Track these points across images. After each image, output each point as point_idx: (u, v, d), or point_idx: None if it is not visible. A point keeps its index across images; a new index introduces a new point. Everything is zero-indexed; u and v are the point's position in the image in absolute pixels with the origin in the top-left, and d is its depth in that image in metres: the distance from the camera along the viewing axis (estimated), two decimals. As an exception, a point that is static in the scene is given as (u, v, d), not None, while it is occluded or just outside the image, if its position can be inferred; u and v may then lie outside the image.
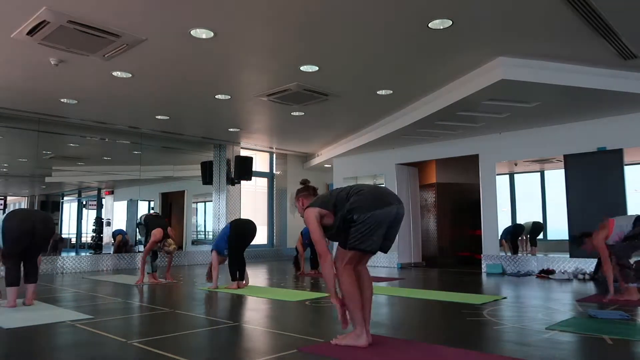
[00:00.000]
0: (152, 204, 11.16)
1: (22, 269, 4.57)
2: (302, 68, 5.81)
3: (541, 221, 8.58)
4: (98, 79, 6.16)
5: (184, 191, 11.39)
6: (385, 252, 3.11)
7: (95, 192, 10.97)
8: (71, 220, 10.88)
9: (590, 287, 6.09)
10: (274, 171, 12.35)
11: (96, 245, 10.37)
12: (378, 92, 6.79)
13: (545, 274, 7.38)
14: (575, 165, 7.56)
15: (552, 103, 6.57)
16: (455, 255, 10.39)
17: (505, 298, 5.14)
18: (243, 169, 10.64)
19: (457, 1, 4.18)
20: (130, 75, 6.02)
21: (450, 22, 4.56)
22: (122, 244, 10.03)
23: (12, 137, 8.68)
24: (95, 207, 10.96)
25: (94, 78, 6.14)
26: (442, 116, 7.16)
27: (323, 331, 3.59)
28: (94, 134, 9.19)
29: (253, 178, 11.12)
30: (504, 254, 8.28)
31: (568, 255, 7.51)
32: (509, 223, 8.66)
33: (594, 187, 7.31)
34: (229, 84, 6.48)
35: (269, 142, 10.89)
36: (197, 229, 11.73)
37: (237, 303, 5.03)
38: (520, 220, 8.73)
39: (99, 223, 10.56)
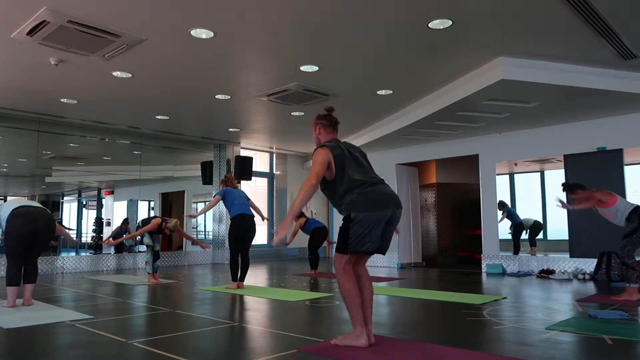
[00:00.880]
0: (152, 204, 11.16)
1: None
2: (302, 68, 5.81)
3: (541, 221, 8.59)
4: (98, 79, 6.16)
5: (184, 191, 11.39)
6: (383, 253, 3.12)
7: (95, 192, 10.97)
8: (71, 221, 10.87)
9: (590, 287, 6.09)
10: (274, 171, 12.35)
11: (96, 245, 10.37)
12: (378, 92, 6.79)
13: (545, 274, 7.38)
14: (575, 165, 7.56)
15: (552, 103, 6.57)
16: (455, 255, 10.39)
17: (505, 298, 5.14)
18: (243, 169, 10.65)
19: (457, 1, 4.18)
20: (130, 75, 6.02)
21: (450, 22, 4.56)
22: (122, 233, 9.87)
23: (12, 137, 8.67)
24: (95, 207, 10.96)
25: (94, 78, 6.14)
26: (442, 116, 7.16)
27: (323, 331, 3.59)
28: (94, 134, 9.19)
29: (253, 178, 11.12)
30: (503, 253, 8.29)
31: (568, 255, 7.52)
32: (509, 223, 8.68)
33: (594, 187, 7.28)
34: (229, 84, 6.49)
35: (269, 142, 10.89)
36: (197, 229, 11.73)
37: (237, 303, 5.03)
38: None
39: (99, 223, 10.56)
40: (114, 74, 5.96)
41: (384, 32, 4.82)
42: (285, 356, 2.82)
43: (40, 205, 4.72)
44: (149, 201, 11.12)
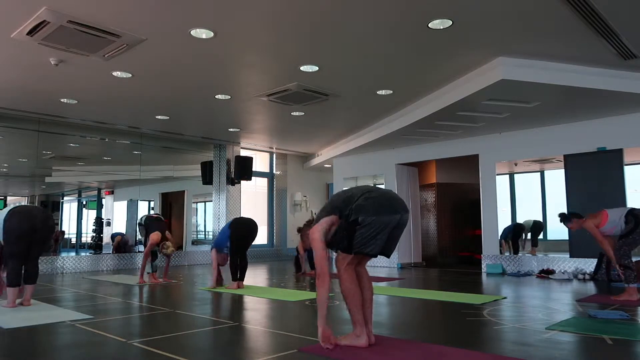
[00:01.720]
0: (152, 204, 11.15)
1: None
2: (302, 68, 5.81)
3: (541, 220, 8.57)
4: (98, 79, 6.16)
5: (184, 191, 11.39)
6: (388, 256, 3.10)
7: (95, 192, 10.97)
8: (71, 220, 10.87)
9: (590, 287, 6.09)
10: (274, 171, 12.35)
11: (96, 245, 10.38)
12: (378, 92, 6.79)
13: (545, 274, 7.38)
14: (575, 165, 7.56)
15: (552, 103, 6.57)
16: (455, 255, 10.39)
17: (505, 298, 5.14)
18: (243, 169, 10.65)
19: (457, 1, 4.18)
20: (130, 75, 6.02)
21: (450, 22, 4.56)
22: (122, 244, 10.05)
23: (12, 137, 8.67)
24: (95, 207, 10.95)
25: (94, 78, 6.14)
26: (442, 116, 7.16)
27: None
28: (94, 134, 9.19)
29: (253, 178, 11.13)
30: (507, 254, 8.29)
31: (568, 255, 7.51)
32: (509, 223, 8.67)
33: (594, 187, 7.31)
34: (229, 84, 6.49)
35: (269, 142, 10.89)
36: (197, 229, 11.73)
37: (237, 303, 5.03)
38: (521, 219, 8.74)
39: (99, 223, 10.56)
40: (114, 74, 5.96)
41: (384, 32, 4.82)
42: (285, 356, 2.82)
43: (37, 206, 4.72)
44: (149, 201, 11.12)
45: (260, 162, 12.02)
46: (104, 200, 10.85)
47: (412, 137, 8.74)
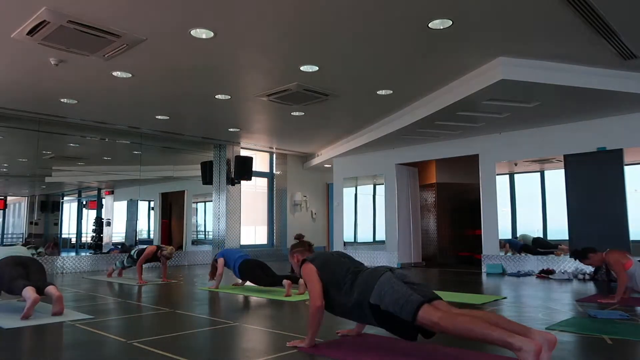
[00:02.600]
0: (152, 203, 11.16)
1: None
2: (302, 68, 5.81)
3: (539, 235, 8.44)
4: (98, 79, 6.16)
5: (184, 191, 11.39)
6: (425, 297, 2.61)
7: (95, 192, 10.97)
8: (71, 220, 10.87)
9: (590, 287, 6.09)
10: (274, 171, 12.35)
11: (96, 245, 10.38)
12: (378, 92, 6.79)
13: (545, 274, 7.39)
14: (575, 165, 7.56)
15: (552, 103, 6.57)
16: (455, 255, 10.40)
17: (505, 298, 5.14)
18: (243, 169, 10.64)
19: (457, 1, 4.18)
20: (130, 75, 6.02)
21: (450, 22, 4.56)
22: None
23: (12, 137, 8.67)
24: (95, 207, 10.95)
25: (94, 78, 6.14)
26: (442, 116, 7.16)
27: (323, 331, 3.58)
28: (94, 134, 9.19)
29: (253, 178, 11.12)
30: (503, 254, 8.29)
31: (568, 255, 7.51)
32: (509, 223, 8.64)
33: (594, 187, 7.31)
34: (229, 84, 6.48)
35: (269, 142, 10.89)
36: (197, 229, 11.73)
37: (237, 303, 5.03)
38: (521, 219, 8.69)
39: (99, 223, 10.56)
40: (114, 74, 5.96)
41: (384, 32, 4.82)
42: (285, 356, 2.82)
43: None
44: (149, 201, 11.12)
45: (260, 162, 12.02)
46: (104, 200, 10.85)
47: (412, 137, 8.74)
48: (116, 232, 10.68)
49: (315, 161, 11.87)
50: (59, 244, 10.27)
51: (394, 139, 8.83)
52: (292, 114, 7.96)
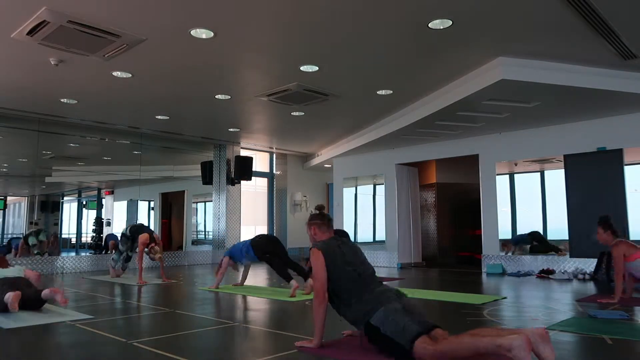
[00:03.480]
0: (152, 204, 11.16)
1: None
2: (302, 68, 5.81)
3: (539, 230, 8.44)
4: (98, 79, 6.16)
5: (184, 191, 11.39)
6: (426, 327, 2.56)
7: (95, 192, 10.97)
8: (71, 220, 10.87)
9: (590, 287, 6.09)
10: (274, 171, 12.35)
11: (96, 245, 10.38)
12: (378, 92, 6.79)
13: (545, 274, 7.38)
14: (575, 165, 7.56)
15: (552, 103, 6.57)
16: (455, 255, 10.39)
17: (505, 298, 5.14)
18: (243, 169, 10.65)
19: (457, 1, 4.18)
20: (130, 75, 6.02)
21: (450, 22, 4.56)
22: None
23: (12, 137, 8.67)
24: (95, 207, 10.96)
25: (94, 78, 6.14)
26: (442, 116, 7.16)
27: (327, 332, 3.58)
28: (94, 134, 9.19)
29: (253, 178, 11.13)
30: (503, 253, 8.28)
31: (568, 255, 7.52)
32: (509, 223, 8.64)
33: (594, 187, 7.31)
34: (229, 84, 6.49)
35: (269, 142, 10.89)
36: (197, 229, 11.73)
37: (237, 303, 5.03)
38: (520, 220, 8.69)
39: (99, 223, 10.56)
40: (114, 74, 5.96)
41: (384, 32, 4.82)
42: (285, 356, 2.82)
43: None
44: (149, 201, 11.12)
45: (260, 162, 12.02)
46: (104, 200, 10.85)
47: (412, 137, 8.74)
48: (116, 232, 10.68)
49: (315, 161, 11.87)
50: (58, 238, 10.30)
51: (394, 139, 8.83)
52: (292, 114, 7.97)
